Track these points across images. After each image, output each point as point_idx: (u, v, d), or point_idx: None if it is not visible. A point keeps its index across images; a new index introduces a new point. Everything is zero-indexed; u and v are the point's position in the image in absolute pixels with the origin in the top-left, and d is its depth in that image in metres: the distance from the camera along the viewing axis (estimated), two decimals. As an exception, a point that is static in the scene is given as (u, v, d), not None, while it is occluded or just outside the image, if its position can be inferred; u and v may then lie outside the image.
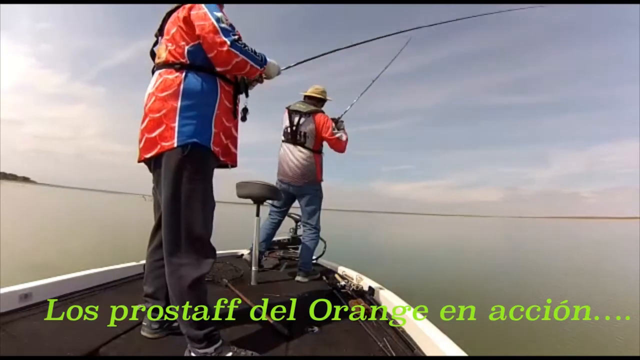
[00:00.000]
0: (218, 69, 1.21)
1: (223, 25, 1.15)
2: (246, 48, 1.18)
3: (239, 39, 1.18)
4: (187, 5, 1.18)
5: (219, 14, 1.16)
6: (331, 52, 1.95)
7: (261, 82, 1.47)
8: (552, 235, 25.31)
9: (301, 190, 2.54)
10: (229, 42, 1.13)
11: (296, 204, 2.70)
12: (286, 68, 1.58)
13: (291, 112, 2.53)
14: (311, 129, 2.47)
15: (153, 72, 1.26)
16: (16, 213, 14.23)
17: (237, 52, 1.15)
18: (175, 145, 1.11)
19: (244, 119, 1.38)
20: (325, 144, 2.58)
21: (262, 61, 1.25)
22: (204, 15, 1.15)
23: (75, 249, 6.72)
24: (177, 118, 1.13)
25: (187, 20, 1.17)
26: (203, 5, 1.17)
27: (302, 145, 2.49)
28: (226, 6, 1.30)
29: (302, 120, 2.49)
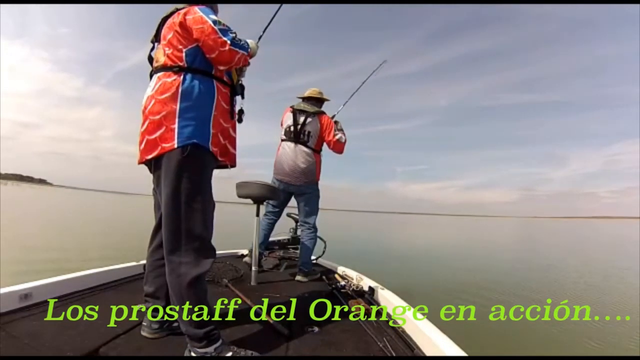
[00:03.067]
0: (221, 68, 1.25)
1: (220, 26, 1.20)
2: (242, 43, 1.25)
3: (236, 36, 1.24)
4: (182, 11, 1.23)
5: (214, 17, 1.22)
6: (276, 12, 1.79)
7: (248, 64, 1.48)
8: (566, 235, 24.65)
9: (300, 189, 2.53)
10: (229, 42, 1.19)
11: (291, 203, 2.71)
12: (259, 40, 1.57)
13: (296, 111, 2.55)
14: (316, 128, 2.50)
15: (151, 76, 1.29)
16: (28, 213, 14.51)
17: (238, 49, 1.22)
18: (176, 146, 1.14)
19: (239, 120, 1.41)
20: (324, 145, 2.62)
21: (247, 47, 1.30)
22: (201, 19, 1.19)
23: (86, 248, 6.82)
24: (176, 120, 1.15)
25: (183, 25, 1.21)
26: (197, 10, 1.22)
27: (305, 144, 2.50)
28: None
29: (309, 119, 2.51)
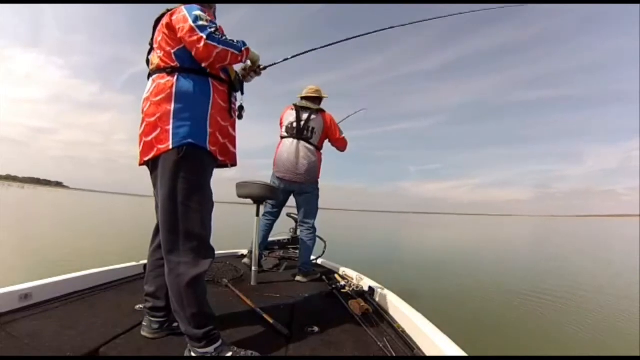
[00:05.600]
0: (204, 64, 1.20)
1: (200, 22, 1.16)
2: (224, 38, 1.19)
3: (216, 31, 1.18)
4: (170, 12, 1.23)
5: (197, 12, 1.18)
6: (307, 51, 1.87)
7: (259, 74, 1.50)
8: (585, 236, 24.03)
9: (302, 188, 2.53)
10: (205, 36, 1.14)
11: (291, 203, 2.70)
12: (264, 68, 1.53)
13: (299, 108, 2.56)
14: (320, 126, 2.53)
15: (149, 79, 1.29)
16: (40, 215, 14.81)
17: (215, 44, 1.15)
18: (171, 147, 1.13)
19: (240, 117, 1.40)
20: (325, 143, 2.64)
21: (241, 45, 1.24)
22: (183, 18, 1.18)
23: (100, 249, 6.94)
24: (171, 121, 1.15)
25: (170, 26, 1.21)
26: (183, 9, 1.20)
27: (307, 140, 2.51)
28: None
29: (313, 116, 2.53)
